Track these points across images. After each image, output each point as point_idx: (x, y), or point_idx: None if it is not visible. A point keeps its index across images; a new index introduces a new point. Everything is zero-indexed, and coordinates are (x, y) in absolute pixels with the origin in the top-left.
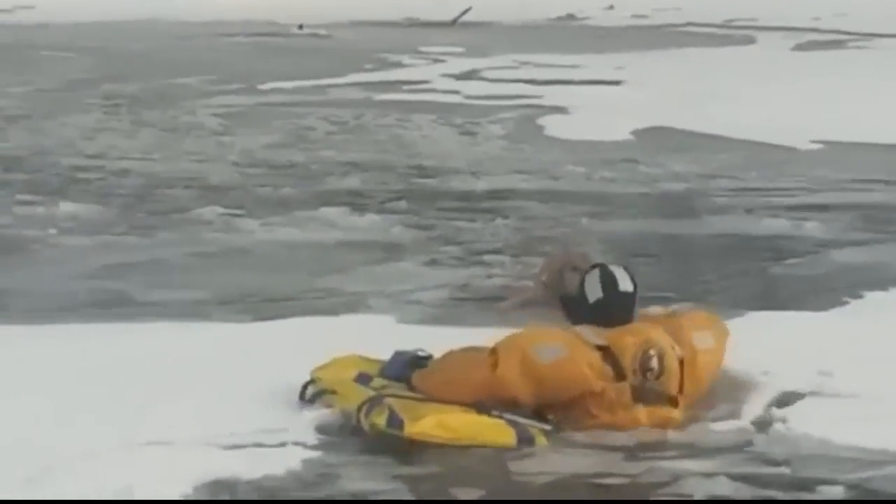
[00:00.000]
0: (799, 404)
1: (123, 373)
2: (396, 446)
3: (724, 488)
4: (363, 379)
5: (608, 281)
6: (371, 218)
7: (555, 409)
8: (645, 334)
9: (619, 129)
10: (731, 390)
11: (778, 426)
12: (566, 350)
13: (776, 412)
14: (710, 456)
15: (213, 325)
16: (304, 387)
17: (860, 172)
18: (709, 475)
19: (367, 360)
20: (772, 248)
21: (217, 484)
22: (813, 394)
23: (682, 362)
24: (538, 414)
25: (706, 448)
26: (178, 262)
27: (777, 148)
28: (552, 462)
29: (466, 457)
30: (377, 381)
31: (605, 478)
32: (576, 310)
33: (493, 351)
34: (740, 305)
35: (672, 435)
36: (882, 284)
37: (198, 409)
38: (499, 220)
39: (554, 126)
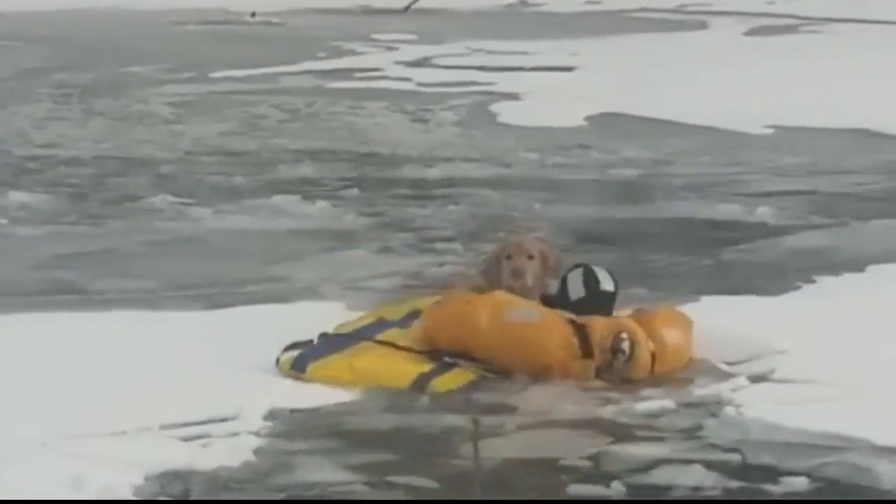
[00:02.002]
0: (751, 388)
1: (75, 362)
2: (350, 433)
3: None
4: (374, 327)
5: (591, 280)
6: (323, 205)
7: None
8: (621, 322)
9: (571, 116)
10: (683, 375)
11: (729, 410)
12: (538, 316)
13: (728, 396)
14: (662, 440)
15: (165, 313)
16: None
17: (813, 157)
18: (692, 462)
19: (398, 305)
20: (725, 234)
21: (170, 474)
22: (765, 378)
23: (653, 356)
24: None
25: (658, 431)
26: (129, 251)
27: (730, 133)
28: (516, 445)
29: (422, 443)
30: (392, 331)
31: (568, 460)
32: (556, 308)
33: (472, 299)
34: (693, 290)
35: (625, 418)
36: (834, 269)
37: (150, 397)
38: (451, 207)
39: (506, 112)
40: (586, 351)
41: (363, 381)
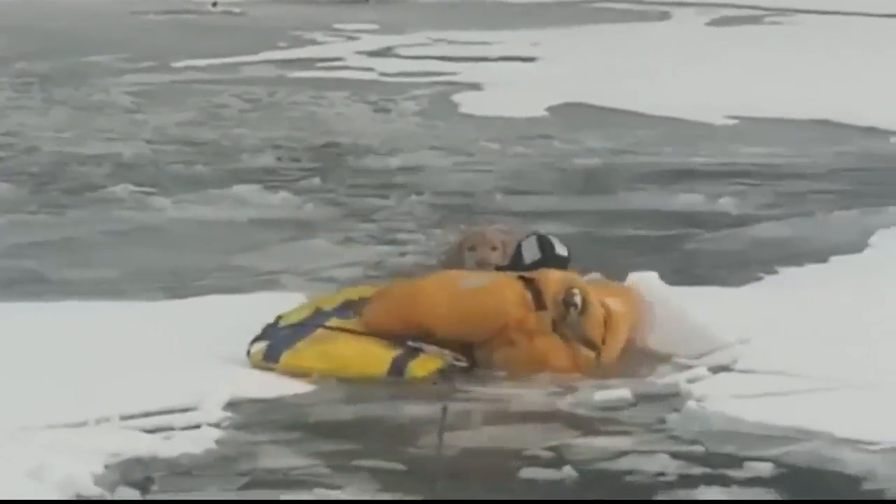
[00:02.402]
0: (712, 380)
1: (35, 352)
2: (310, 422)
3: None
4: (317, 318)
5: (545, 244)
6: (284, 195)
7: (480, 345)
8: (572, 278)
9: (533, 106)
10: (645, 366)
11: (691, 403)
12: (488, 280)
13: (690, 388)
14: (624, 432)
15: (126, 303)
16: (265, 329)
17: (775, 148)
18: (655, 453)
19: (329, 298)
20: (687, 224)
21: (131, 462)
22: (727, 369)
23: (608, 315)
24: (464, 351)
25: (620, 424)
26: (90, 241)
27: (692, 124)
28: (480, 435)
29: (384, 430)
30: (333, 321)
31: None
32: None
33: (416, 281)
34: None
35: (585, 410)
36: (796, 260)
37: (110, 387)
38: (413, 198)
39: (468, 103)
40: (540, 305)
41: (339, 369)
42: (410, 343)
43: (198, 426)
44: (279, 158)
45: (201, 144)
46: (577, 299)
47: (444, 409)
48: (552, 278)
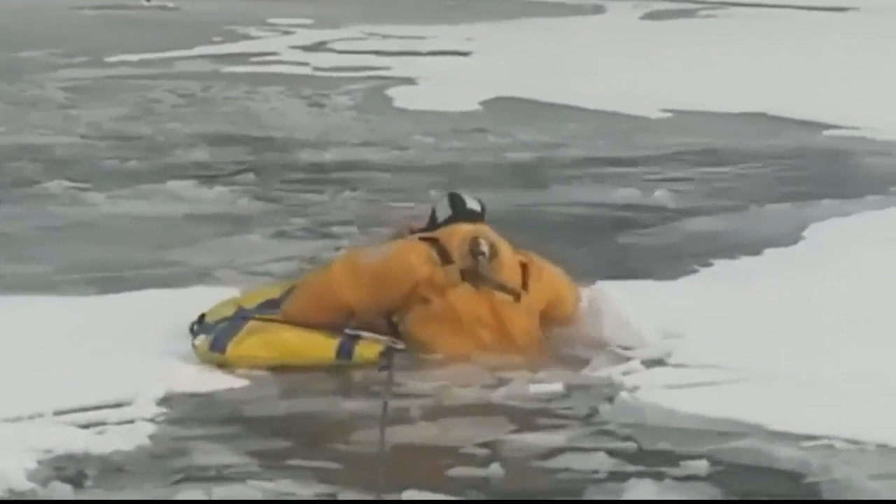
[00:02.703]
0: (646, 373)
1: None
2: (245, 418)
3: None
4: (242, 314)
5: (457, 201)
6: (219, 190)
7: (397, 312)
8: (479, 229)
9: (467, 100)
10: (578, 359)
11: (624, 396)
12: (392, 248)
13: (623, 381)
14: (558, 426)
15: (59, 298)
16: (191, 326)
17: (710, 141)
18: (589, 449)
19: (252, 295)
20: (622, 218)
21: (63, 458)
22: (660, 362)
23: (524, 266)
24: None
25: (554, 417)
26: (23, 236)
27: (626, 117)
28: (416, 431)
29: (319, 427)
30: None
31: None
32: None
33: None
34: (590, 275)
35: (517, 403)
36: (730, 252)
37: (43, 382)
38: (347, 192)
39: (402, 97)
40: (447, 260)
41: (286, 356)
42: (348, 331)
43: (132, 421)
44: (213, 153)
45: (135, 139)
46: (484, 247)
47: (385, 405)
48: (456, 233)
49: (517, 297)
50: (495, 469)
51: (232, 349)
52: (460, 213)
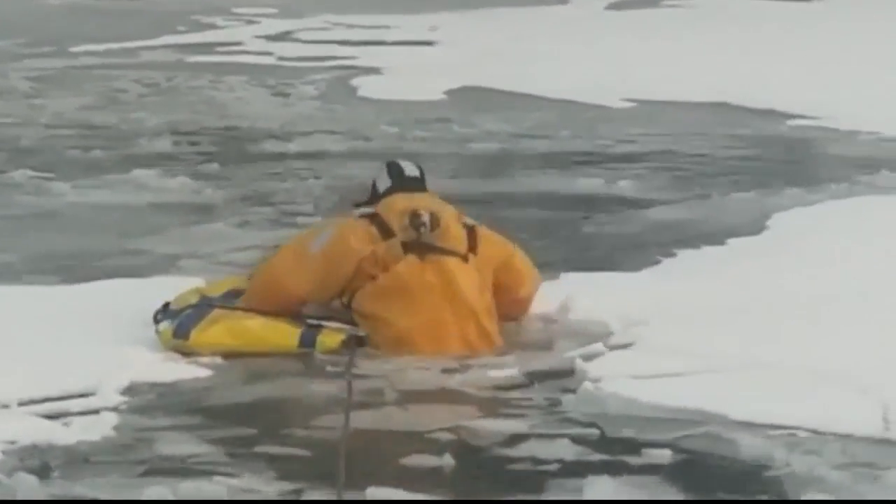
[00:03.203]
0: (609, 363)
1: None
2: (209, 406)
3: (568, 451)
4: (207, 302)
5: (395, 170)
6: (182, 180)
7: (346, 292)
8: (417, 201)
9: (432, 90)
10: (541, 350)
11: (587, 385)
12: (332, 231)
13: (586, 369)
14: (519, 416)
15: (23, 287)
16: (156, 314)
17: (672, 131)
18: (552, 437)
19: (217, 285)
20: (585, 208)
21: (28, 449)
22: (623, 353)
23: (471, 229)
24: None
25: (516, 406)
26: None
27: (590, 107)
28: (378, 417)
29: (283, 414)
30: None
31: (435, 433)
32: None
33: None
34: (554, 266)
35: (478, 389)
36: (693, 242)
37: (7, 373)
38: (311, 181)
39: (367, 86)
40: (387, 235)
41: (249, 344)
42: (309, 321)
43: (96, 412)
44: (177, 143)
45: (100, 129)
46: (424, 218)
47: (349, 391)
48: (395, 207)
49: (465, 259)
50: (449, 458)
51: (195, 336)
52: (399, 181)
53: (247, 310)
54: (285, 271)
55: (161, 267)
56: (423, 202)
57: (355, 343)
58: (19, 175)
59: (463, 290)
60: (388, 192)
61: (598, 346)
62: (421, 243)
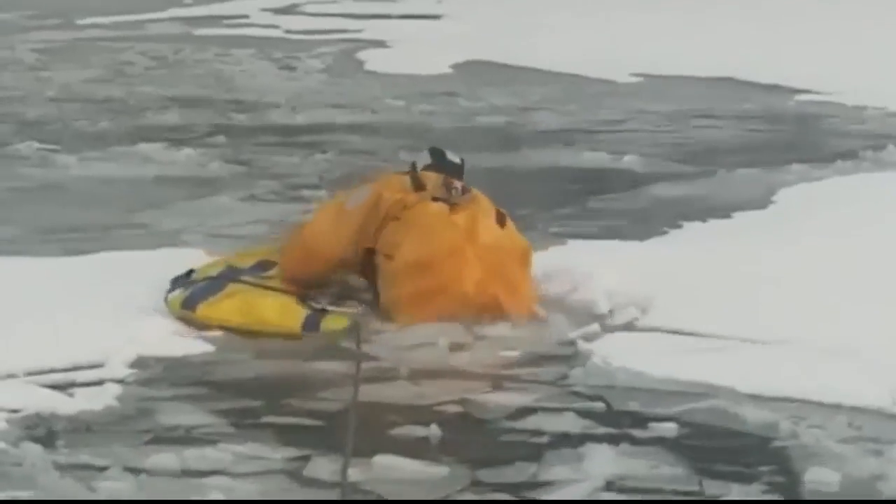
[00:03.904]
0: (616, 335)
1: None
2: (213, 380)
3: (573, 425)
4: (229, 275)
5: (436, 153)
6: (188, 153)
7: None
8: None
9: (438, 63)
10: (548, 325)
11: (595, 359)
12: (368, 188)
13: (593, 343)
14: (526, 390)
15: (29, 259)
16: (175, 280)
17: (679, 105)
18: (557, 411)
19: (247, 255)
20: (591, 182)
21: (34, 418)
22: (630, 325)
23: (501, 213)
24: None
25: (523, 382)
26: None
27: (597, 81)
28: (387, 392)
29: (288, 387)
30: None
31: (443, 405)
32: None
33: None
34: (560, 236)
35: (485, 367)
36: (700, 216)
37: (14, 343)
38: (317, 155)
39: (373, 60)
40: (420, 188)
41: (254, 324)
42: (314, 305)
43: (101, 382)
44: (184, 116)
45: (106, 102)
46: (457, 184)
47: (358, 364)
48: (433, 174)
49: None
50: (454, 430)
51: (203, 309)
52: (440, 162)
53: (266, 287)
54: (322, 232)
55: (165, 240)
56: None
57: (360, 326)
58: (25, 147)
59: (482, 234)
60: (427, 170)
61: (605, 321)
62: (452, 201)
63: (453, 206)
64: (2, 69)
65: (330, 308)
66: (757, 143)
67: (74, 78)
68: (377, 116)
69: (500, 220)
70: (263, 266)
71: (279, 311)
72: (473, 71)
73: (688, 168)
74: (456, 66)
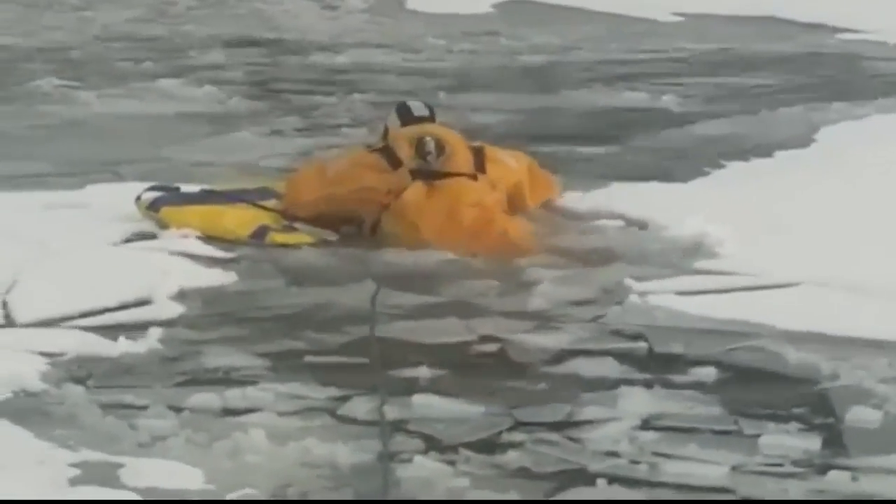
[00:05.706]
0: (657, 275)
1: None
2: (256, 321)
3: (612, 370)
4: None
5: (404, 111)
6: (209, 90)
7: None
8: (421, 129)
9: (480, 2)
10: (588, 261)
11: (634, 298)
12: (345, 160)
13: (633, 283)
14: (565, 328)
15: (54, 193)
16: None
17: (720, 45)
18: (595, 355)
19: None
20: (632, 121)
21: (74, 360)
22: (672, 265)
23: (478, 151)
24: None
25: (559, 318)
26: (17, 134)
27: (637, 20)
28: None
29: (326, 331)
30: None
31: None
32: None
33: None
34: (601, 177)
35: (518, 303)
36: (742, 155)
37: (52, 284)
38: (356, 95)
39: None
40: (396, 165)
41: (207, 227)
42: (286, 222)
43: (142, 323)
44: (227, 55)
45: (149, 41)
46: (430, 146)
47: (377, 288)
48: (401, 137)
49: (473, 178)
50: (490, 369)
51: (165, 212)
52: (408, 122)
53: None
54: (302, 182)
55: (190, 174)
56: (427, 130)
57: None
58: (46, 84)
59: (462, 213)
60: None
61: (649, 258)
62: (428, 171)
63: (432, 181)
64: (45, 8)
65: (300, 226)
66: (798, 81)
67: (117, 17)
68: (418, 56)
69: (479, 161)
70: (264, 192)
71: (237, 220)
72: (515, 10)
73: (729, 107)
74: (498, 6)
